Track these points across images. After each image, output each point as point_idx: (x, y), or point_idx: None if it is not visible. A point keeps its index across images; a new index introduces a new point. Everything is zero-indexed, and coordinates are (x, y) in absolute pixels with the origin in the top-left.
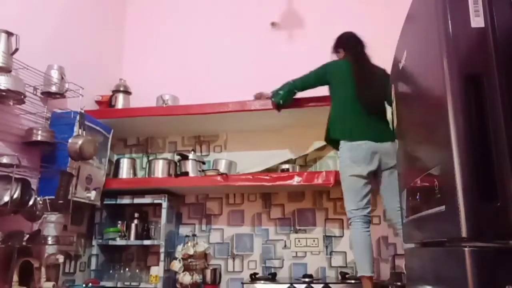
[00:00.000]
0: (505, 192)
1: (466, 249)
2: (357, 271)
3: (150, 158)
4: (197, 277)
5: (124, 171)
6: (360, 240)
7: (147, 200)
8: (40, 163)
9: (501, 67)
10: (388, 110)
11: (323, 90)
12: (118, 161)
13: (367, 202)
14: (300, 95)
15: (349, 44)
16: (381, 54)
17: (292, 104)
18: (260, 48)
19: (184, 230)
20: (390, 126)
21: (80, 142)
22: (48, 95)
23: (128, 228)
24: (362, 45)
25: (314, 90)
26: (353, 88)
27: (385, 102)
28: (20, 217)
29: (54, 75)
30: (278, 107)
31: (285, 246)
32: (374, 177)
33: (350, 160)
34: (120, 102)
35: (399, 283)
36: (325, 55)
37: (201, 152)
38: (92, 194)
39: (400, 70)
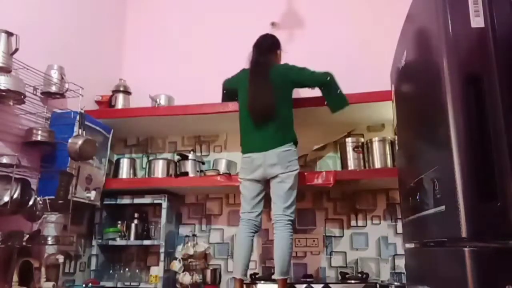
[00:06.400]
0: (505, 192)
1: (466, 249)
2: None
3: (150, 158)
4: (197, 277)
5: (124, 171)
6: (239, 242)
7: (147, 200)
8: (40, 163)
9: (501, 67)
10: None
11: None
12: (118, 161)
13: (253, 207)
14: (299, 94)
15: (253, 51)
16: (381, 54)
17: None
18: None
19: (184, 230)
20: (285, 128)
21: (80, 142)
22: (48, 95)
23: (128, 228)
24: (260, 49)
25: (314, 90)
26: (246, 100)
27: (280, 104)
28: (20, 217)
29: (54, 75)
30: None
31: None
32: (267, 184)
33: (241, 170)
34: (120, 102)
35: (399, 283)
36: (325, 55)
37: (201, 152)
38: (92, 194)
39: (400, 70)
